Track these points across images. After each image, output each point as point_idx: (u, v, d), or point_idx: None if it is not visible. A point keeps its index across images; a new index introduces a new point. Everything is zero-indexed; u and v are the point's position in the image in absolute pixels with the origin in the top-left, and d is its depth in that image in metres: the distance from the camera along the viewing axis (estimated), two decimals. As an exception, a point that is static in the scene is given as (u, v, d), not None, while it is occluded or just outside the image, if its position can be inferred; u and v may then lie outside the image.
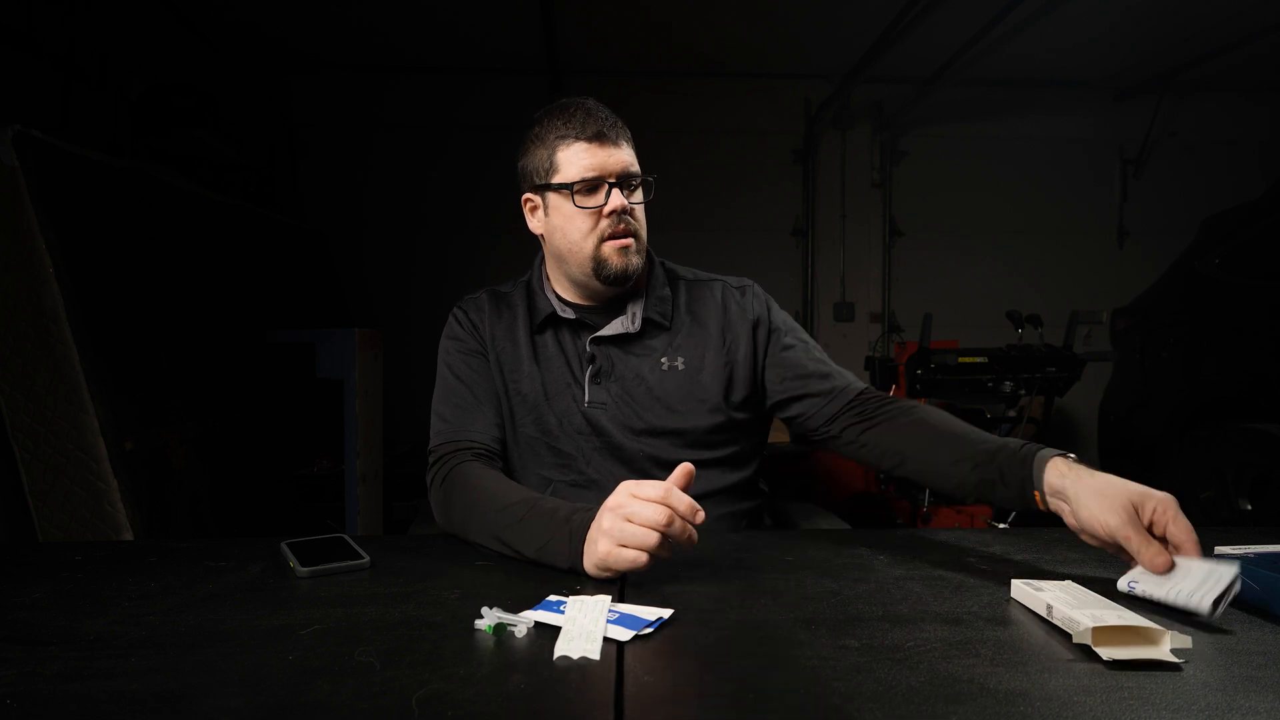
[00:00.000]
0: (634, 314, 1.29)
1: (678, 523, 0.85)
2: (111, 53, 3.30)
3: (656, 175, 1.28)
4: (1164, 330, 3.31)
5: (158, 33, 3.70)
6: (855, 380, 1.29)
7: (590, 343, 1.28)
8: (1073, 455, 0.97)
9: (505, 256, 4.81)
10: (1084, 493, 0.91)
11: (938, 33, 3.89)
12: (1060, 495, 0.94)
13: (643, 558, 0.86)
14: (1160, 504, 0.87)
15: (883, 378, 4.17)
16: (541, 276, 1.35)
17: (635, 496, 0.87)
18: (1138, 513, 0.87)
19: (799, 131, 5.09)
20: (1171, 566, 0.84)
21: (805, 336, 1.35)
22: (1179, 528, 0.85)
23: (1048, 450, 0.98)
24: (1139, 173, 5.17)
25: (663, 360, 1.28)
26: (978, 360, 3.35)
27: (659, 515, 0.85)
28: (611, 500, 0.90)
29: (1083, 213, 5.17)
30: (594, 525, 0.91)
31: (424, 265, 4.89)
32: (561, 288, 1.32)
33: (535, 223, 1.30)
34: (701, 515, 0.86)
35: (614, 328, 1.28)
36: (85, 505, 2.23)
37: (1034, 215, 5.14)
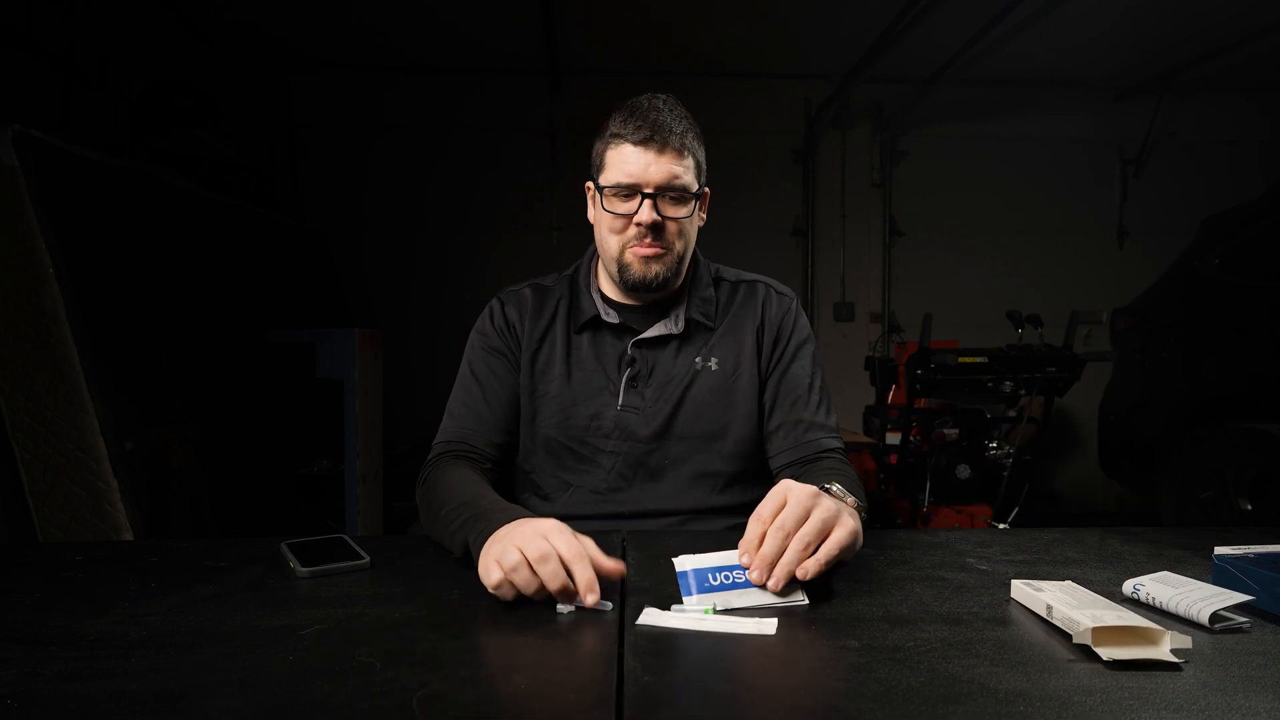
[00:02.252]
0: (677, 315, 1.28)
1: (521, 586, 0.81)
2: (111, 53, 3.30)
3: (708, 190, 1.25)
4: (1164, 330, 3.31)
5: (158, 33, 3.71)
6: (829, 438, 1.26)
7: (631, 346, 1.26)
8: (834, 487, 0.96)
9: (505, 257, 4.83)
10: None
11: (938, 33, 3.89)
12: None
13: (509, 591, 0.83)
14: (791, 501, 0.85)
15: (883, 378, 4.17)
16: (590, 271, 1.33)
17: (519, 549, 0.82)
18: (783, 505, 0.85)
19: (799, 131, 5.09)
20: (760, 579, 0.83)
21: (817, 365, 1.32)
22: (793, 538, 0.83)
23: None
24: (1139, 173, 5.17)
25: (697, 360, 1.26)
26: (978, 360, 3.35)
27: (500, 589, 0.82)
28: (489, 553, 0.85)
29: (1083, 213, 5.17)
30: (485, 547, 0.87)
31: (424, 265, 4.89)
32: (606, 283, 1.31)
33: (589, 211, 1.29)
34: (593, 595, 0.80)
35: (656, 329, 1.27)
36: (85, 505, 2.23)
37: (1034, 215, 5.14)
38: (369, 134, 4.90)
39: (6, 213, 2.18)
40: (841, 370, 5.04)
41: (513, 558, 0.81)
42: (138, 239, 2.67)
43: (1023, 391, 3.42)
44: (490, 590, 0.82)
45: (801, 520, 0.84)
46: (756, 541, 0.85)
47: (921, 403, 3.66)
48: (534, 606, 0.82)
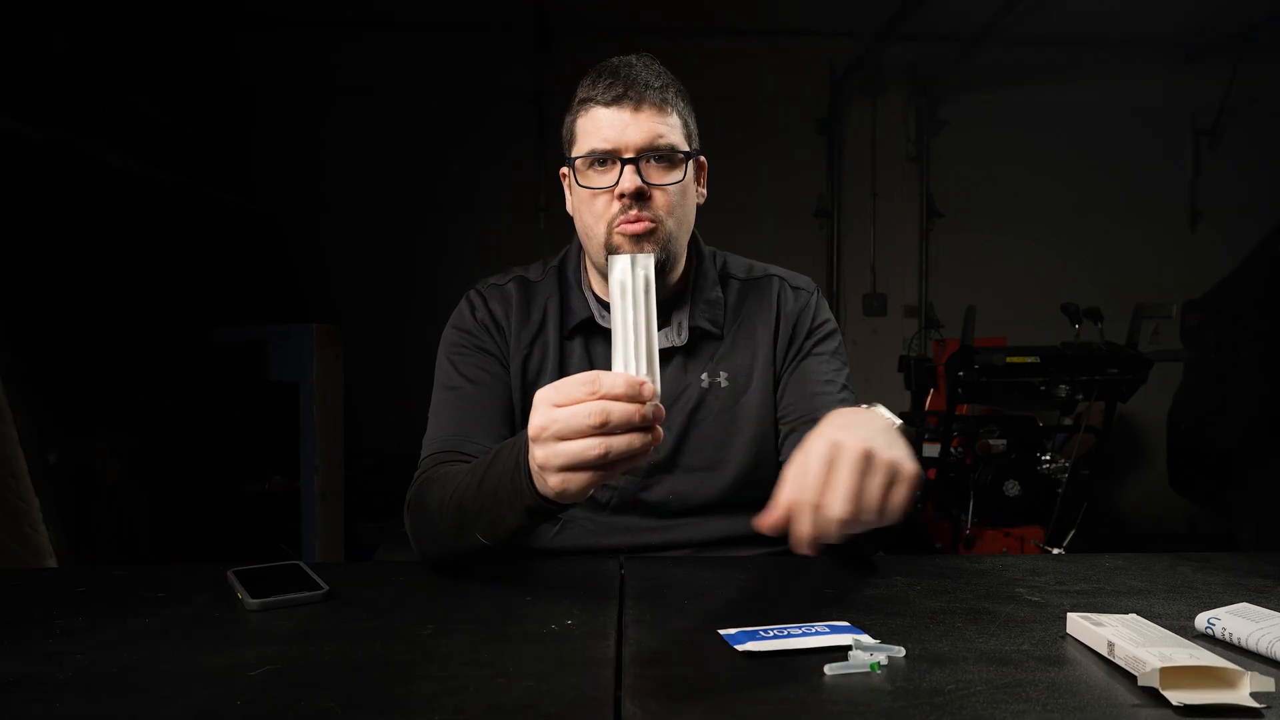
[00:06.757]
0: (680, 323, 1.25)
1: (618, 413, 0.76)
2: (34, 8, 3.30)
3: (698, 150, 1.23)
4: (1243, 326, 3.31)
5: (86, -16, 3.70)
6: None
7: None
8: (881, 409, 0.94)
9: (484, 241, 4.83)
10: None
11: (982, -17, 3.89)
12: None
13: (601, 475, 0.80)
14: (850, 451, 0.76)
15: (919, 381, 4.17)
16: (580, 266, 1.30)
17: (557, 406, 0.78)
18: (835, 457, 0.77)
19: (822, 98, 5.10)
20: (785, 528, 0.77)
21: (841, 360, 1.30)
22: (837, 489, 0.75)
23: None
24: (1214, 144, 5.18)
25: (703, 376, 1.24)
26: (1028, 360, 3.36)
27: (590, 419, 0.76)
28: (532, 424, 0.81)
29: (1149, 190, 5.17)
30: (530, 460, 0.85)
31: (391, 252, 4.90)
32: (598, 280, 1.27)
33: (568, 202, 1.26)
34: (650, 389, 0.76)
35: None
36: (2, 528, 2.23)
37: (1093, 193, 5.14)
38: (328, 100, 4.91)
39: (-88, 191, 2.19)
40: (871, 372, 5.04)
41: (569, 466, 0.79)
42: (63, 223, 2.68)
43: (1080, 396, 3.42)
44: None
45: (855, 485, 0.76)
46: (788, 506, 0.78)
47: (964, 409, 3.66)
48: (523, 642, 0.83)
